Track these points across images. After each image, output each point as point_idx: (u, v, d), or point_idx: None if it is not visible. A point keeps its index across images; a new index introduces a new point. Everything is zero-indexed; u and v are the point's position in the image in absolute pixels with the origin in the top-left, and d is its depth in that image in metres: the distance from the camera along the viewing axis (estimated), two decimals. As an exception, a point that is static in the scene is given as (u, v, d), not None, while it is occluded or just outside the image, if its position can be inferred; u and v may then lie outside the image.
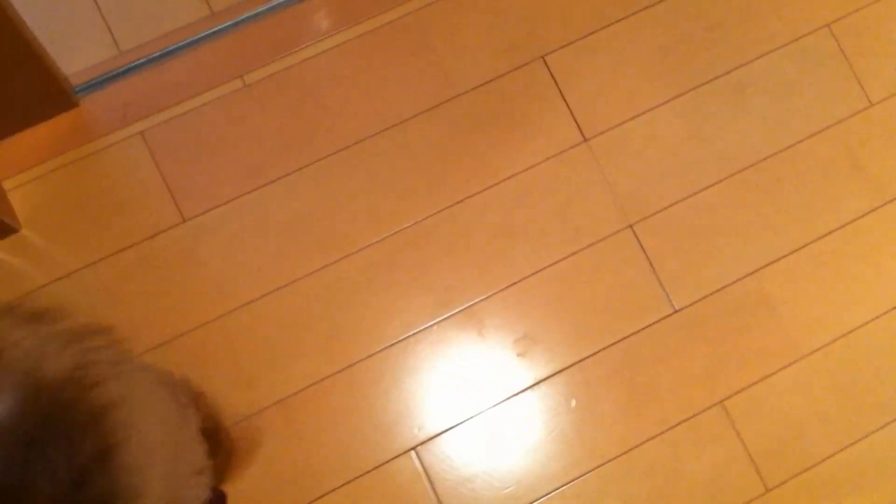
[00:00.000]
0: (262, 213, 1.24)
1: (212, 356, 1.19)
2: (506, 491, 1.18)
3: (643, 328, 1.24)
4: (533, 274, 1.24)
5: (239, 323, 1.20)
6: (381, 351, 1.21)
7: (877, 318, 1.25)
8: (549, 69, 1.28)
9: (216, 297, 1.21)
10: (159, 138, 1.26)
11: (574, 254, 1.25)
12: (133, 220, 1.23)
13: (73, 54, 1.28)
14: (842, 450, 1.23)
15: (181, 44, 1.27)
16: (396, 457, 1.18)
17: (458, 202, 1.25)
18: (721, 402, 1.22)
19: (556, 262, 1.25)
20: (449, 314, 1.22)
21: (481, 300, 1.23)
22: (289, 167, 1.25)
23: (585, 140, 1.27)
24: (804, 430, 1.23)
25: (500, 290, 1.23)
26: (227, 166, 1.25)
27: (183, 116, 1.26)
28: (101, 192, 1.23)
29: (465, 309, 1.23)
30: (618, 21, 1.31)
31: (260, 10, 1.28)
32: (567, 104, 1.28)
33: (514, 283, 1.24)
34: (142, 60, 1.27)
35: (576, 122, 1.28)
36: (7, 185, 1.22)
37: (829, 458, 1.23)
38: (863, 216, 1.27)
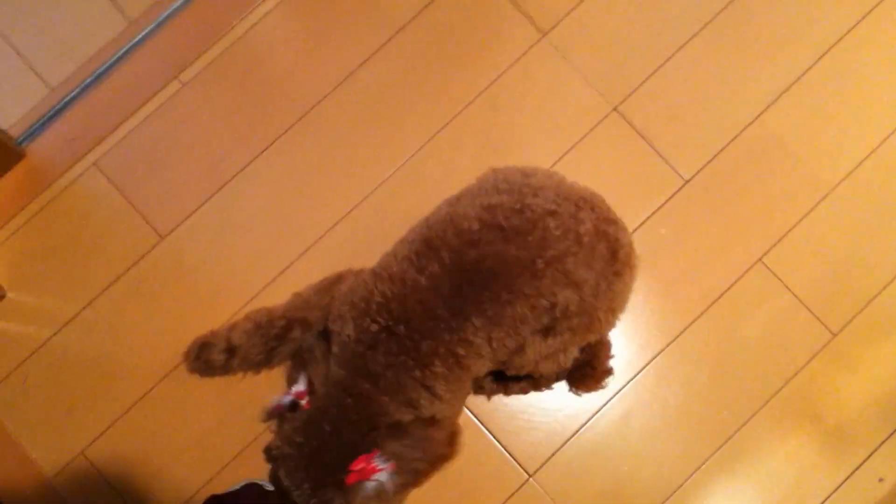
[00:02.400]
0: (236, 207, 1.18)
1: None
2: (562, 413, 1.11)
3: (659, 207, 1.16)
4: (530, 190, 1.17)
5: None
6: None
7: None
8: (483, -28, 1.21)
9: (215, 301, 1.15)
10: (114, 164, 1.20)
11: (567, 152, 1.18)
12: (113, 251, 1.17)
13: (5, 106, 1.22)
14: (898, 273, 1.15)
15: (108, 63, 1.22)
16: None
17: (435, 135, 1.19)
18: (760, 259, 1.15)
19: (552, 166, 1.17)
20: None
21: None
22: (251, 153, 1.19)
23: (544, 35, 1.20)
24: (852, 264, 1.15)
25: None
26: (189, 171, 1.19)
27: (131, 135, 1.21)
28: (75, 233, 1.18)
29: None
30: None
31: (176, 4, 1.22)
32: (514, 3, 1.21)
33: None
34: (74, 92, 1.22)
35: (528, 19, 1.20)
36: (-23, 253, 1.18)
37: (887, 285, 1.15)
38: (850, 30, 1.19)
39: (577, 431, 1.11)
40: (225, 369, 1.07)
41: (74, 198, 1.20)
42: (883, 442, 1.11)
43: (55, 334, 1.16)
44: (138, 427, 1.13)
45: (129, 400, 1.13)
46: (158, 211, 1.18)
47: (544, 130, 1.19)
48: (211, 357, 1.06)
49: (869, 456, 1.11)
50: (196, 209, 1.18)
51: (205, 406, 1.13)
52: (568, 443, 1.11)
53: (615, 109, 1.18)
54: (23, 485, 1.12)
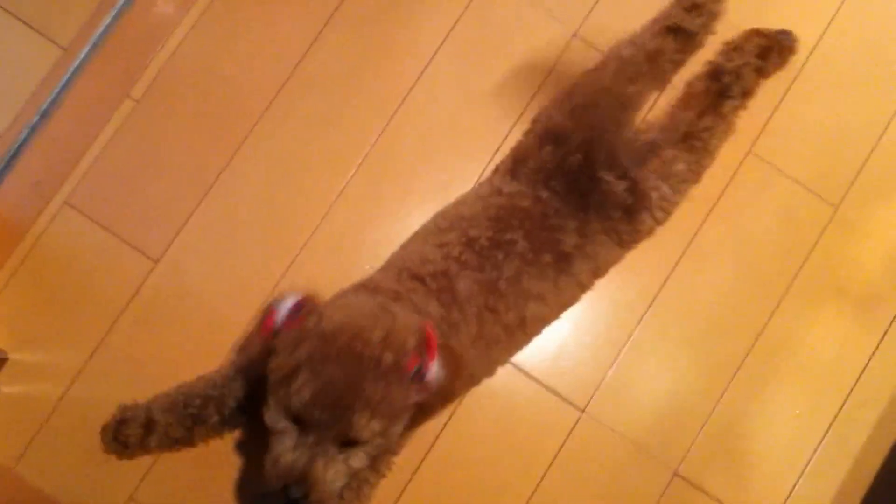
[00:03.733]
0: (224, 211, 1.15)
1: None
2: (599, 341, 1.12)
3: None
4: (509, 132, 1.16)
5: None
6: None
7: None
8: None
9: (229, 311, 1.12)
10: (86, 198, 1.15)
11: (540, 89, 1.16)
12: (108, 287, 1.13)
13: (-44, 162, 1.16)
14: (884, 132, 1.17)
15: (53, 95, 1.16)
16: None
17: (401, 104, 1.17)
18: (750, 151, 1.16)
19: (528, 105, 1.16)
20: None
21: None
22: (227, 154, 1.16)
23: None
24: (839, 134, 1.17)
25: (488, 162, 1.16)
26: (167, 187, 1.15)
27: (96, 164, 1.16)
28: (64, 279, 1.14)
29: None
30: None
31: (109, 19, 1.17)
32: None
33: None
34: (25, 133, 1.16)
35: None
36: (-32, 320, 1.13)
37: (874, 147, 1.17)
38: None
39: (616, 358, 1.13)
40: (143, 447, 1.04)
41: (54, 242, 1.15)
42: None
43: (71, 385, 1.11)
44: (182, 459, 1.10)
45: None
46: (146, 235, 1.14)
47: (513, 70, 1.17)
48: (128, 434, 1.03)
49: (899, 309, 1.15)
50: (184, 223, 1.14)
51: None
52: (610, 371, 1.12)
53: (575, 35, 1.17)
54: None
